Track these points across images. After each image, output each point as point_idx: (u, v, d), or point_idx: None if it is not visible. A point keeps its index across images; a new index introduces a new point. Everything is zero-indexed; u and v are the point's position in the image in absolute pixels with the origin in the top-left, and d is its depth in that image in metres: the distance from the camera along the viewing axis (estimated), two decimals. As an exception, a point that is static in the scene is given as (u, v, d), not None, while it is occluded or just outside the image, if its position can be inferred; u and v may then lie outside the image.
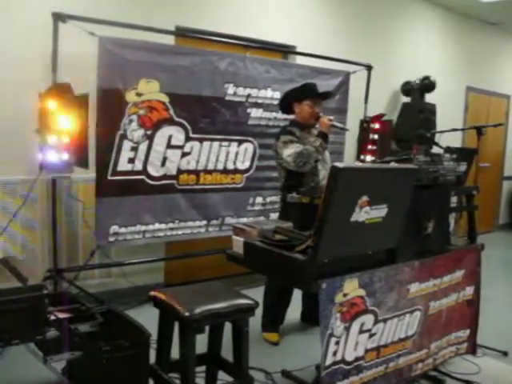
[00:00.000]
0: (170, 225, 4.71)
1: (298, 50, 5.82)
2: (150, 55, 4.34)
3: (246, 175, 5.17)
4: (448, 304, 3.68)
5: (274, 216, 5.41)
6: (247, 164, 5.16)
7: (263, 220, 3.33)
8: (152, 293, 2.84)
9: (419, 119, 6.59)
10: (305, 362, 3.76)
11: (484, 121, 8.84)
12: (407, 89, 6.83)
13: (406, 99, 6.93)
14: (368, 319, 3.07)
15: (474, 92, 8.60)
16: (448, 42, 8.19)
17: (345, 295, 2.90)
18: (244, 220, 5.17)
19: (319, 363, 2.86)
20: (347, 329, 2.96)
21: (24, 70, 4.04)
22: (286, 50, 5.80)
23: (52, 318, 2.79)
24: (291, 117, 4.40)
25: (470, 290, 3.88)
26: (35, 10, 4.10)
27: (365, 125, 5.85)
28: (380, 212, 2.89)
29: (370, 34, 6.79)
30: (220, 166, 4.96)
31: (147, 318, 3.06)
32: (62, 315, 2.89)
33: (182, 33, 4.82)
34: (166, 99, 4.47)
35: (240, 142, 5.06)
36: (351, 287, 2.93)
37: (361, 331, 3.05)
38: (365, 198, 2.77)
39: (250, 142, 5.13)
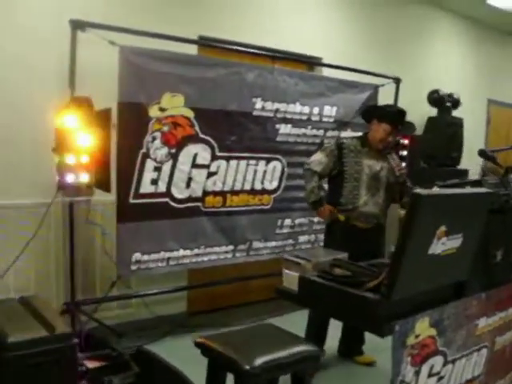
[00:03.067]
0: (196, 251, 4.34)
1: (324, 61, 5.48)
2: (174, 67, 3.99)
3: (273, 196, 4.81)
4: (510, 338, 3.33)
5: (303, 239, 5.09)
6: (275, 184, 4.81)
7: (314, 250, 2.97)
8: (199, 339, 2.46)
9: (447, 134, 6.26)
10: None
11: (505, 134, 8.56)
12: (435, 98, 6.48)
13: (432, 113, 6.59)
14: (437, 361, 2.72)
15: (496, 105, 8.29)
16: (470, 53, 7.93)
17: (416, 336, 2.54)
18: (273, 244, 4.83)
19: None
20: (417, 373, 2.59)
21: (39, 83, 3.70)
22: (313, 62, 5.47)
23: (82, 369, 2.41)
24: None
25: (532, 322, 3.52)
26: (50, 18, 3.77)
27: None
28: (455, 242, 2.56)
29: (395, 47, 6.51)
30: (247, 187, 4.60)
31: (171, 352, 2.91)
32: (92, 364, 2.51)
33: (206, 42, 4.47)
34: (190, 114, 4.12)
35: (268, 161, 4.71)
36: (423, 327, 2.58)
37: (429, 375, 2.69)
38: (443, 228, 2.43)
39: (278, 160, 4.78)
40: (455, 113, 6.74)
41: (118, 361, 2.61)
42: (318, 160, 3.82)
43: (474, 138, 7.24)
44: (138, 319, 4.39)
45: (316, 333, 3.89)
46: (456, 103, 6.56)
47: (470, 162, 6.99)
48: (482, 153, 3.27)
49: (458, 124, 6.49)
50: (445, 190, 2.80)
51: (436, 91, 6.50)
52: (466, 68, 7.88)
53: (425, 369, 2.65)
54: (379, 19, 6.24)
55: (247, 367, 2.16)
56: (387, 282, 2.35)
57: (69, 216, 3.74)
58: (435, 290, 2.69)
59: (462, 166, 6.68)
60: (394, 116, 3.92)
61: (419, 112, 6.52)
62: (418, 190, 2.25)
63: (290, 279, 2.75)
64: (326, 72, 5.44)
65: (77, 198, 3.59)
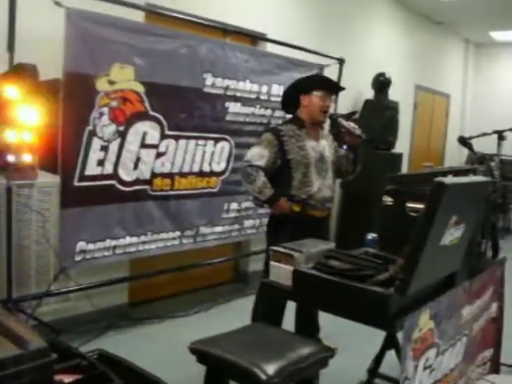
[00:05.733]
0: (142, 238, 3.98)
1: (268, 38, 5.22)
2: (125, 35, 3.59)
3: (221, 178, 4.52)
4: (480, 324, 3.32)
5: (249, 223, 4.87)
6: (223, 165, 4.51)
7: (300, 241, 2.73)
8: (193, 345, 2.17)
9: (384, 117, 6.22)
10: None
11: (429, 119, 8.76)
12: (381, 81, 6.38)
13: (368, 96, 6.53)
14: (432, 353, 2.61)
15: (422, 90, 8.43)
16: (403, 38, 7.98)
17: (420, 330, 2.43)
18: (219, 229, 4.56)
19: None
20: (416, 367, 2.48)
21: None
22: (264, 38, 5.17)
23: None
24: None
25: (494, 307, 3.54)
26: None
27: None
28: (459, 232, 2.45)
29: (336, 27, 6.38)
30: (196, 168, 4.27)
31: (118, 348, 2.63)
32: (67, 378, 2.15)
33: (157, 10, 4.06)
34: (141, 89, 3.73)
35: (216, 141, 4.40)
36: (424, 320, 2.46)
37: (424, 368, 2.59)
38: (454, 218, 2.31)
39: (226, 140, 4.48)
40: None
41: (94, 371, 2.25)
42: (257, 154, 3.42)
43: (402, 122, 7.30)
44: (77, 314, 3.99)
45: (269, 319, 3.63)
46: (387, 83, 6.50)
47: (401, 146, 7.09)
48: (461, 140, 3.18)
49: (395, 108, 6.48)
50: (458, 178, 2.65)
51: (382, 74, 6.44)
52: (399, 53, 7.92)
53: (421, 362, 2.53)
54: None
55: (263, 377, 1.91)
56: (403, 276, 2.18)
57: (6, 201, 3.26)
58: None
59: (396, 149, 6.71)
60: (320, 78, 3.72)
61: (357, 94, 6.45)
62: (441, 178, 2.08)
63: (281, 272, 2.52)
64: (270, 49, 5.19)
65: (19, 182, 3.13)
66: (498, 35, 9.19)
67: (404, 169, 7.20)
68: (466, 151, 10.13)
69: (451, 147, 9.90)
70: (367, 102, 6.39)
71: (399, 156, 6.62)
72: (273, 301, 3.40)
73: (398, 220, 2.89)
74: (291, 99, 3.63)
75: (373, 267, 2.37)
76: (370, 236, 3.12)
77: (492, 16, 8.01)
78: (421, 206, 2.97)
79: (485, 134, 3.41)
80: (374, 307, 2.23)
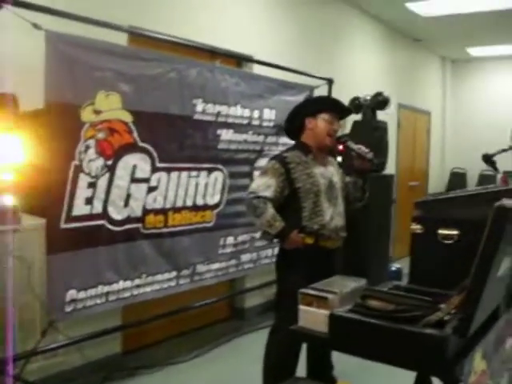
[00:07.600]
0: (137, 281, 3.62)
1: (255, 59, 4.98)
2: (110, 60, 3.29)
3: (215, 211, 4.20)
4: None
5: (246, 258, 4.56)
6: (217, 198, 4.20)
7: (328, 280, 2.43)
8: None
9: (374, 138, 5.98)
10: None
11: (412, 138, 8.63)
12: (356, 105, 6.18)
13: (356, 117, 6.32)
14: (484, 397, 2.33)
15: (404, 108, 8.28)
16: (384, 57, 7.89)
17: (475, 373, 2.15)
18: (216, 266, 4.23)
19: None
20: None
21: None
22: (248, 59, 4.92)
23: None
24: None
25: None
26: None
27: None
28: (509, 260, 2.19)
29: (320, 48, 6.23)
30: (189, 202, 3.95)
31: None
32: None
33: (143, 32, 3.76)
34: (128, 118, 3.42)
35: (209, 171, 4.09)
36: (478, 361, 2.19)
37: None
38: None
39: (219, 170, 4.18)
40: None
41: None
42: (263, 184, 3.15)
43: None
44: (66, 369, 3.60)
45: (285, 364, 3.28)
46: (385, 102, 6.26)
47: (388, 166, 6.87)
48: (486, 158, 2.95)
49: (384, 128, 6.26)
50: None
51: (357, 98, 6.22)
52: (382, 71, 7.83)
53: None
54: (304, 19, 5.90)
55: None
56: (464, 314, 1.90)
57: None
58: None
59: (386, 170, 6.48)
60: (328, 100, 3.53)
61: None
62: (504, 202, 1.82)
63: (313, 318, 2.21)
64: (257, 71, 4.94)
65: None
66: (475, 51, 9.17)
67: (394, 190, 7.00)
68: (448, 169, 10.12)
69: (434, 165, 9.78)
70: (355, 123, 6.16)
71: (391, 177, 6.40)
72: (291, 345, 3.07)
73: (430, 249, 2.63)
74: (296, 122, 3.37)
75: (420, 306, 2.07)
76: (394, 267, 2.86)
77: (469, 32, 7.98)
78: (455, 232, 2.74)
79: (503, 151, 3.18)
80: (429, 352, 1.92)
